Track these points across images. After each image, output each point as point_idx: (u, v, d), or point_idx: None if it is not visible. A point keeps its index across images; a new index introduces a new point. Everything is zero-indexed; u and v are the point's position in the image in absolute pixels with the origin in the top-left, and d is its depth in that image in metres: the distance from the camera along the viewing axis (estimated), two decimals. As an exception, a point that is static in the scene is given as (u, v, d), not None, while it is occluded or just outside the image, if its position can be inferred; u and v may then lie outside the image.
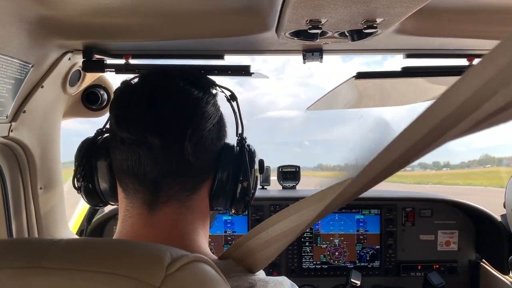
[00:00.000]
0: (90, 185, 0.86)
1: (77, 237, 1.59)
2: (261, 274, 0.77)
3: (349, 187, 0.51)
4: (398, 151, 0.44)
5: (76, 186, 0.89)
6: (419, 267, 2.06)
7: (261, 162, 0.93)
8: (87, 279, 0.48)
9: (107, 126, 0.88)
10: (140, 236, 0.76)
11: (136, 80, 0.84)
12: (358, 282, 1.72)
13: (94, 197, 0.88)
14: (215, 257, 0.80)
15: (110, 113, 0.83)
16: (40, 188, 1.33)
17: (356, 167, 0.50)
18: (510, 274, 1.88)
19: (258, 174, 0.91)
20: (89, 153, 0.86)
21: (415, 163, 0.50)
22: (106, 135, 0.89)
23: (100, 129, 0.91)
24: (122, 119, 0.77)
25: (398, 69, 1.25)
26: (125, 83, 0.84)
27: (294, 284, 0.80)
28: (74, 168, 0.88)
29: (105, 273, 0.48)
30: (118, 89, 0.84)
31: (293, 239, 0.70)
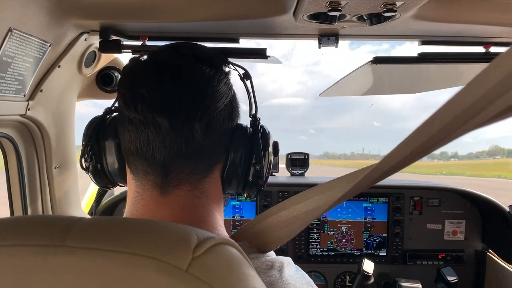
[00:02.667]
0: (98, 165, 0.84)
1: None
2: (272, 254, 0.77)
3: (373, 171, 0.52)
4: (422, 138, 0.45)
5: (84, 166, 0.86)
6: (423, 256, 2.07)
7: (275, 144, 0.90)
8: (111, 259, 0.47)
9: (116, 105, 0.86)
10: (154, 217, 0.75)
11: (145, 57, 0.81)
12: (370, 272, 1.71)
13: (103, 178, 0.85)
14: (227, 236, 0.78)
15: (118, 92, 0.80)
16: (55, 168, 1.35)
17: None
18: (517, 264, 1.89)
19: (272, 157, 0.88)
20: (97, 132, 0.84)
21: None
22: (114, 114, 0.86)
23: (108, 107, 0.88)
24: (130, 99, 0.74)
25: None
26: (134, 61, 0.81)
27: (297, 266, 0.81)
28: (81, 148, 0.86)
29: (130, 253, 0.46)
30: (126, 67, 0.81)
31: (314, 219, 0.70)
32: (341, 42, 1.24)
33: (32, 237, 0.49)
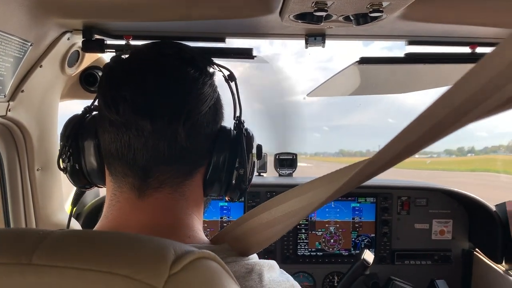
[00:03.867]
0: (76, 165, 0.81)
1: (73, 220, 1.58)
2: (254, 257, 0.75)
3: (365, 168, 0.50)
4: (415, 134, 0.44)
5: (62, 167, 0.84)
6: (410, 255, 2.08)
7: (259, 147, 0.88)
8: (81, 278, 0.44)
9: (96, 103, 0.82)
10: (129, 221, 0.73)
11: (128, 56, 0.79)
12: (370, 262, 1.69)
13: (81, 178, 0.83)
14: (207, 240, 0.77)
15: (98, 91, 0.78)
16: (37, 170, 1.32)
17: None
18: (503, 263, 1.90)
19: (255, 160, 0.87)
20: (76, 132, 0.81)
21: (442, 149, 0.49)
22: (94, 113, 0.83)
23: (88, 106, 0.85)
24: (111, 100, 0.71)
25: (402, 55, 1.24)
26: (116, 59, 0.78)
27: (281, 269, 0.79)
28: (59, 148, 0.83)
29: (101, 272, 0.44)
30: (108, 66, 0.79)
31: (297, 221, 0.68)
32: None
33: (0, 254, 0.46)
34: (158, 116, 0.70)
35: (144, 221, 0.73)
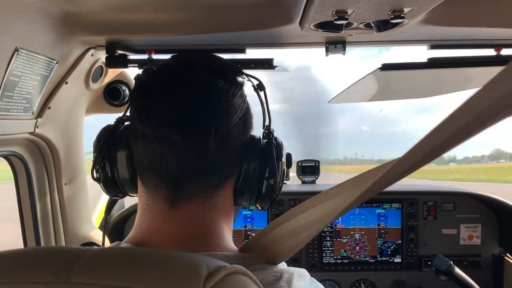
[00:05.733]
0: (109, 175, 0.83)
1: (99, 232, 1.61)
2: (283, 265, 0.75)
3: (393, 169, 0.49)
4: (440, 137, 0.43)
5: (95, 177, 0.85)
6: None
7: (289, 156, 0.88)
8: None
9: (127, 114, 0.84)
10: (161, 231, 0.74)
11: (158, 68, 0.80)
12: None
13: (113, 187, 0.84)
14: (236, 249, 0.78)
15: (131, 103, 0.80)
16: (65, 184, 1.35)
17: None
18: (536, 268, 1.84)
19: (285, 168, 0.86)
20: (109, 142, 0.82)
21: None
22: (126, 123, 0.85)
23: (120, 117, 0.86)
24: (143, 112, 0.73)
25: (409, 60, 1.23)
26: (147, 72, 0.80)
27: (312, 278, 0.79)
28: (93, 159, 0.85)
29: None
30: (139, 78, 0.80)
31: (322, 228, 0.68)
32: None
33: (36, 273, 0.47)
34: (189, 129, 0.72)
35: (176, 231, 0.74)
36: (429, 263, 2.01)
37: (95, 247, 0.51)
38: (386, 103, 2.06)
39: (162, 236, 0.74)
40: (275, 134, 0.86)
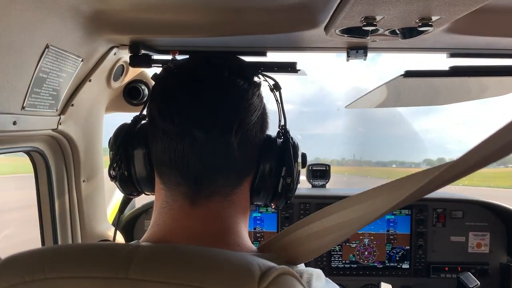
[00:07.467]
0: (126, 173, 0.83)
1: (112, 228, 1.61)
2: (301, 265, 0.76)
3: (438, 177, 0.49)
4: (492, 147, 0.44)
5: (112, 175, 0.85)
6: (446, 268, 2.04)
7: (304, 156, 0.90)
8: None
9: (144, 112, 0.85)
10: (181, 228, 0.75)
11: (178, 67, 0.81)
12: None
13: (129, 186, 0.85)
14: (255, 248, 0.78)
15: (151, 102, 0.80)
16: (83, 181, 1.36)
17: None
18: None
19: (300, 169, 0.88)
20: (126, 140, 0.83)
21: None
22: (143, 122, 0.85)
23: (137, 115, 0.87)
24: (165, 111, 0.74)
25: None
26: (168, 70, 0.81)
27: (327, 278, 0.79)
28: (110, 157, 0.85)
29: (193, 287, 0.45)
30: (159, 76, 0.81)
31: (350, 233, 0.67)
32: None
33: (95, 268, 0.48)
34: (211, 127, 0.73)
35: (196, 228, 0.75)
36: (444, 270, 2.01)
37: (144, 244, 0.52)
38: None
39: (183, 233, 0.75)
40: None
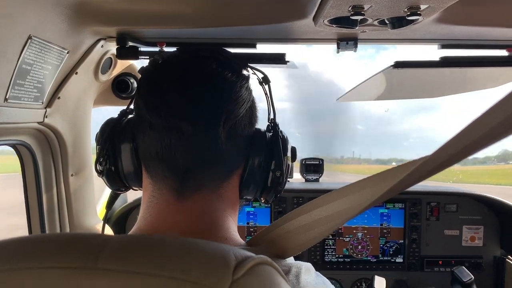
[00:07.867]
0: (113, 168, 0.82)
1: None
2: (290, 259, 0.75)
3: (420, 168, 0.49)
4: (472, 137, 0.43)
5: (99, 170, 0.84)
6: (440, 262, 2.04)
7: (294, 149, 0.88)
8: (147, 283, 0.44)
9: (131, 107, 0.84)
10: (168, 222, 0.74)
11: (165, 60, 0.80)
12: None
13: (117, 181, 0.84)
14: (243, 242, 0.77)
15: (138, 95, 0.79)
16: (71, 175, 1.34)
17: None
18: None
19: (290, 163, 0.87)
20: (113, 135, 0.82)
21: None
22: (130, 116, 0.84)
23: (124, 110, 0.86)
24: (152, 103, 0.73)
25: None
26: (154, 63, 0.80)
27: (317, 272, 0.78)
28: (97, 151, 0.84)
29: (167, 277, 0.44)
30: (146, 70, 0.80)
31: (337, 226, 0.67)
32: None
33: (64, 257, 0.47)
34: (199, 119, 0.72)
35: (183, 222, 0.74)
36: (431, 264, 2.02)
37: (119, 235, 0.50)
38: (383, 102, 2.05)
39: (169, 227, 0.74)
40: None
